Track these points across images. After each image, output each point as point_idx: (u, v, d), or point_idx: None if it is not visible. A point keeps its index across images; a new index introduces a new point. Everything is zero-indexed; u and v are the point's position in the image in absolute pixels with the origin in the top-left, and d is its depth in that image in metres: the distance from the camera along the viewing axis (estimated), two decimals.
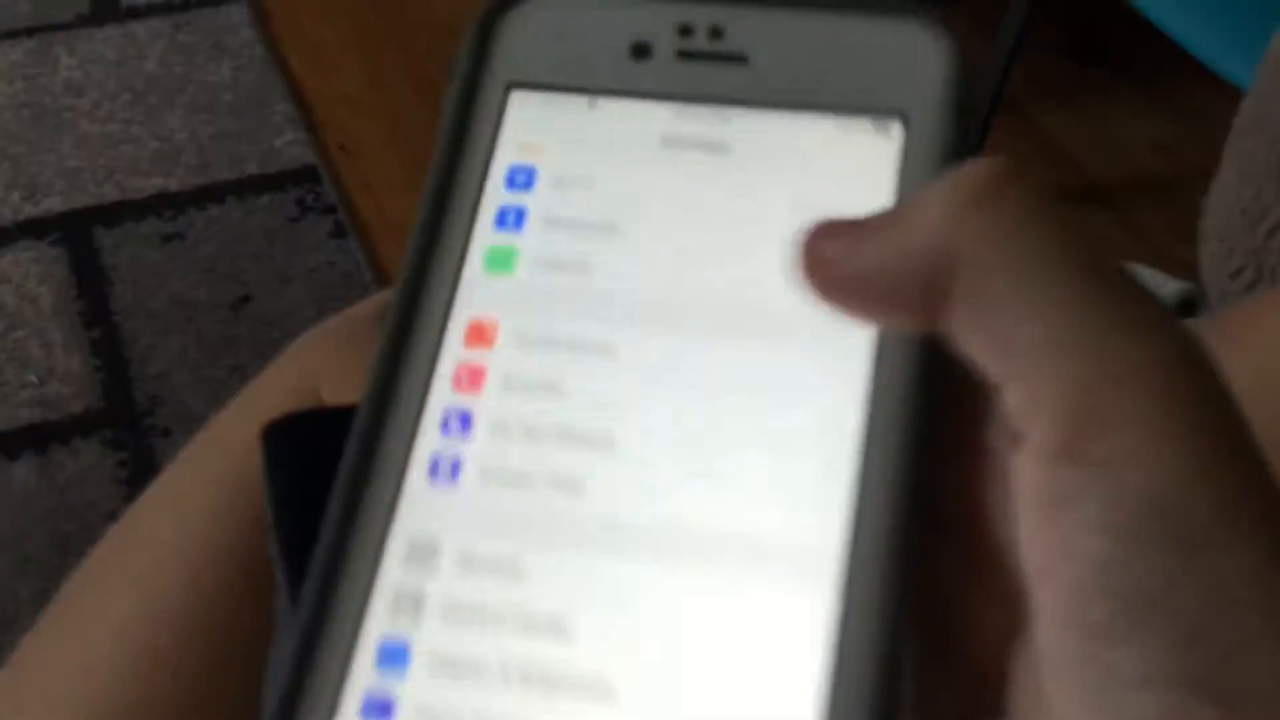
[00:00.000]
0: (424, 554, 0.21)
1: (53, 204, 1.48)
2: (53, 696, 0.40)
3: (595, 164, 0.24)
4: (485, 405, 0.22)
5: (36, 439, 1.28)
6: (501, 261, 0.23)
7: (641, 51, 0.24)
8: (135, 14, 1.71)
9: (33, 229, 1.45)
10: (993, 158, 0.19)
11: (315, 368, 0.44)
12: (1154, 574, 0.17)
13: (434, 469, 0.21)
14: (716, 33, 0.24)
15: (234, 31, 1.69)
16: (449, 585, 0.20)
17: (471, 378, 0.22)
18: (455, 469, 0.21)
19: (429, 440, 0.21)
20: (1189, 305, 0.74)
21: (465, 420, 0.22)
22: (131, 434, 1.28)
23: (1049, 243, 0.19)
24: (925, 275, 0.19)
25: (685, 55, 0.24)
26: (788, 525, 0.20)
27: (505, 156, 0.24)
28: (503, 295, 0.23)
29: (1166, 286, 1.26)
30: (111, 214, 1.47)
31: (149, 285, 1.41)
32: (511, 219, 0.23)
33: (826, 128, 0.23)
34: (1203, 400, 0.18)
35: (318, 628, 0.20)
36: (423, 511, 0.21)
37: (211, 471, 0.42)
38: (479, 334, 0.22)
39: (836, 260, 0.20)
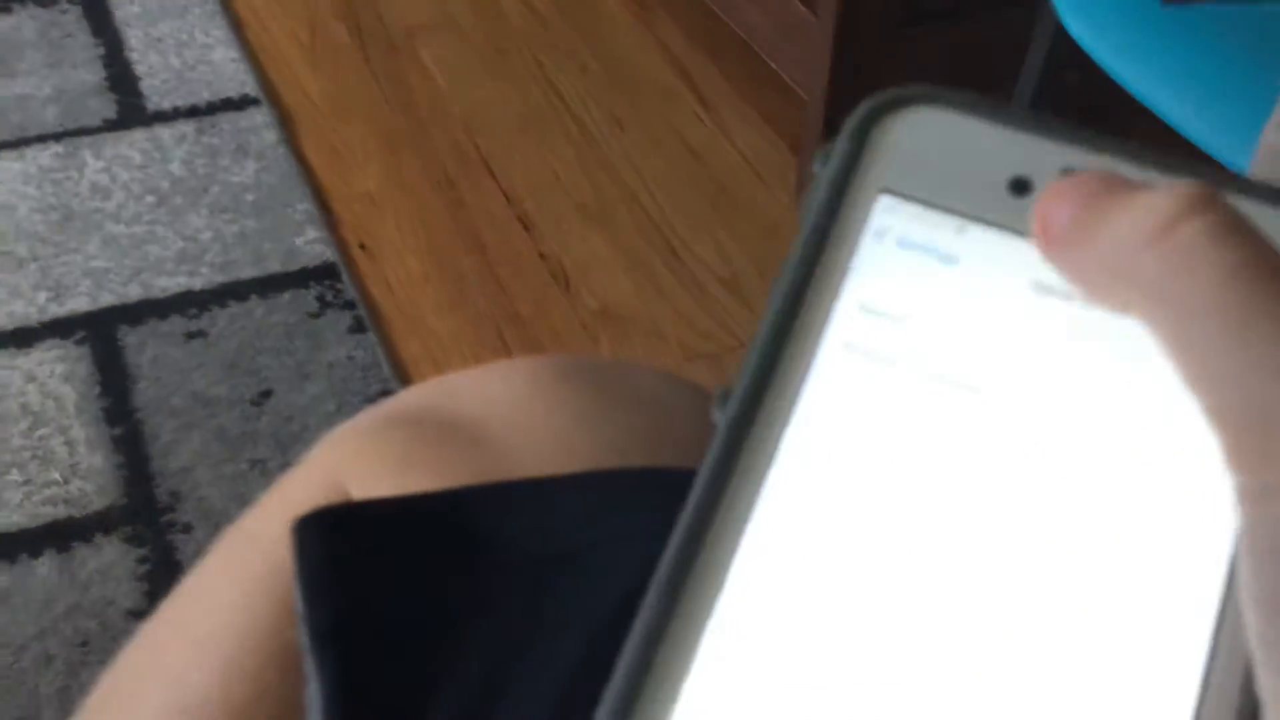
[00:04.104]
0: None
1: (78, 304, 1.50)
2: None
3: (959, 293, 0.23)
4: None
5: (58, 536, 1.28)
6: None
7: (1021, 187, 0.23)
8: (161, 118, 1.74)
9: (58, 328, 1.47)
10: (1184, 187, 0.19)
11: (343, 464, 0.45)
12: None
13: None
14: None
15: (257, 134, 1.73)
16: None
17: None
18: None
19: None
20: None
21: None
22: (153, 530, 1.29)
23: (1226, 277, 0.18)
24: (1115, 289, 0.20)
25: None
26: None
27: (867, 255, 0.23)
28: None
29: None
30: (136, 313, 1.49)
31: (171, 382, 1.43)
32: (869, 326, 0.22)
33: None
34: None
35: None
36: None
37: (243, 564, 0.43)
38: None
39: (1063, 233, 0.21)
